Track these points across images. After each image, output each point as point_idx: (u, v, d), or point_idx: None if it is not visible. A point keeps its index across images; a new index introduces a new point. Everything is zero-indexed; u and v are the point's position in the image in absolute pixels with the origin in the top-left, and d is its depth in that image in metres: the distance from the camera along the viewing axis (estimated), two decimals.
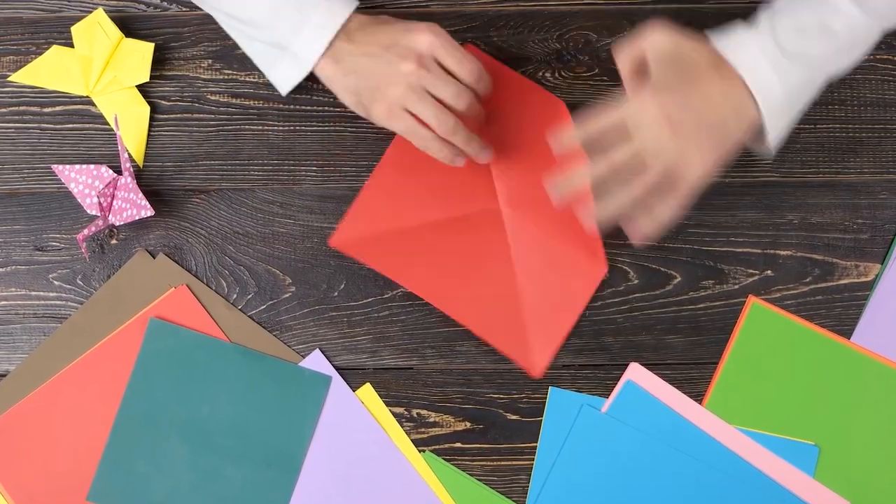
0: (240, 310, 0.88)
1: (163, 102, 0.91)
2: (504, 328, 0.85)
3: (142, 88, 0.90)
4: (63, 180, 0.89)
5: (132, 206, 0.86)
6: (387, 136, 0.89)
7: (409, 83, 0.78)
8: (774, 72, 0.76)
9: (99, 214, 0.87)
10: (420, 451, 0.87)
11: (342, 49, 0.80)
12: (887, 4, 0.76)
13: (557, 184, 0.79)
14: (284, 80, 0.83)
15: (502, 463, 0.87)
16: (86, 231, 0.85)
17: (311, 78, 0.83)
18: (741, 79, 0.76)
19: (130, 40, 0.90)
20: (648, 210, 0.77)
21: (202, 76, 0.91)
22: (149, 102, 0.90)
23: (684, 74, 0.76)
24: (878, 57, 0.91)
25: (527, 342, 0.85)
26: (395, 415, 0.87)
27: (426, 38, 0.79)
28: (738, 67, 0.76)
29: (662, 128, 0.74)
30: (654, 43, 0.77)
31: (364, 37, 0.80)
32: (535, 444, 0.87)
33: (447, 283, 0.86)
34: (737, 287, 0.88)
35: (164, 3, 0.92)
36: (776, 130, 0.78)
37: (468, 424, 0.87)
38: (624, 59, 0.79)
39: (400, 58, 0.78)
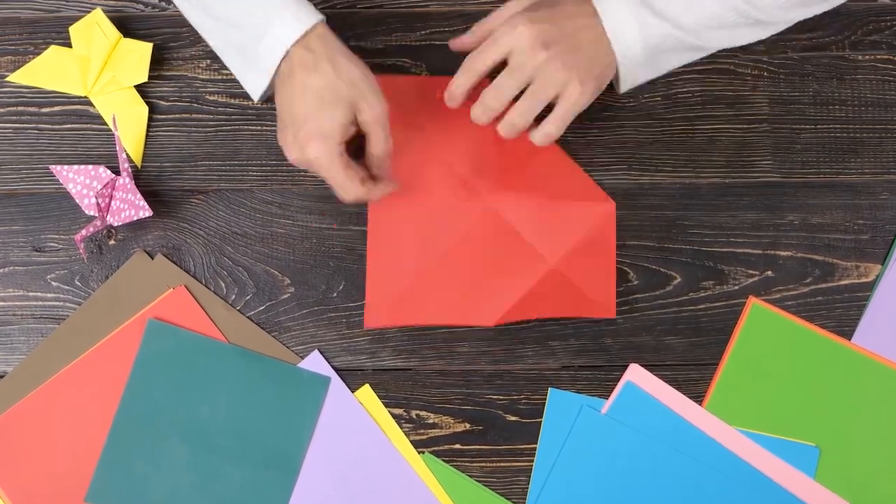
0: (238, 311, 0.88)
1: (161, 103, 0.91)
2: (562, 298, 0.85)
3: (140, 88, 0.90)
4: (61, 181, 0.89)
5: (130, 206, 0.85)
6: None
7: (293, 159, 0.79)
8: (633, 19, 0.77)
9: (97, 215, 0.87)
10: (419, 453, 0.87)
11: (293, 66, 0.78)
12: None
13: (477, 118, 0.81)
14: (253, 86, 0.82)
15: (502, 464, 0.87)
16: (84, 232, 0.85)
17: None
18: (602, 23, 0.78)
19: (129, 40, 0.90)
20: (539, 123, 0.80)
21: (201, 76, 0.91)
22: (147, 102, 0.90)
23: (550, 7, 0.78)
24: (878, 57, 0.91)
25: (588, 297, 0.86)
26: (394, 416, 0.87)
27: (316, 153, 0.77)
28: (598, 8, 0.78)
29: (538, 52, 0.76)
30: (511, 5, 0.80)
31: (298, 78, 0.77)
32: (534, 446, 0.87)
33: (488, 297, 0.85)
34: (737, 288, 0.88)
35: (163, 3, 0.92)
36: (630, 75, 0.81)
37: (468, 426, 0.87)
38: (484, 29, 0.82)
39: (293, 143, 0.78)
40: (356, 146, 0.81)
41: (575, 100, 0.78)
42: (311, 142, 0.77)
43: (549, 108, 0.80)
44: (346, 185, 0.78)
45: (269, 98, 0.84)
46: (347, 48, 0.78)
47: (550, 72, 0.77)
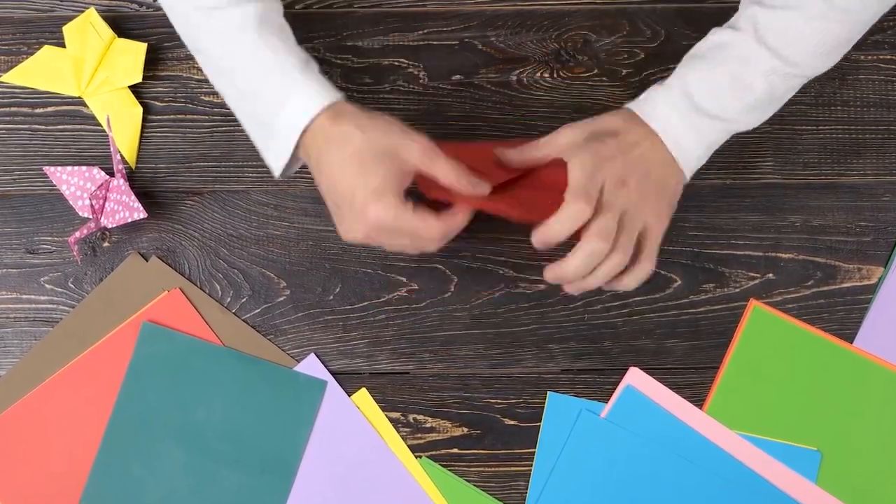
0: (234, 313, 0.88)
1: (156, 103, 0.91)
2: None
3: (134, 89, 0.90)
4: (55, 182, 0.89)
5: (124, 208, 0.85)
6: None
7: (362, 235, 0.74)
8: (692, 131, 0.77)
9: (91, 217, 0.87)
10: (417, 457, 0.86)
11: (317, 152, 0.74)
12: (807, 54, 0.76)
13: (570, 266, 0.75)
14: (274, 160, 0.77)
15: (500, 469, 0.87)
16: (77, 234, 0.85)
17: None
18: (658, 136, 0.77)
19: (123, 40, 0.89)
20: (627, 269, 0.76)
21: (196, 77, 0.91)
22: (141, 103, 0.90)
23: (611, 141, 0.76)
24: (881, 57, 0.91)
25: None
26: (391, 420, 0.87)
27: (376, 216, 0.72)
28: (656, 129, 0.77)
29: (620, 190, 0.74)
30: (565, 135, 0.77)
31: (327, 168, 0.73)
32: (533, 450, 0.86)
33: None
34: (738, 290, 0.88)
35: (157, 3, 0.91)
36: (693, 173, 0.80)
37: (465, 430, 0.87)
38: (534, 156, 0.78)
39: (353, 219, 0.73)
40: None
41: (659, 232, 0.77)
42: (367, 208, 0.71)
43: None
44: (424, 230, 0.73)
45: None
46: (367, 110, 0.75)
47: (634, 208, 0.74)
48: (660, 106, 0.77)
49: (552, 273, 0.75)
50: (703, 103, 0.76)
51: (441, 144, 0.83)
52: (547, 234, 0.73)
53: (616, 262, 0.74)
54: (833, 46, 0.77)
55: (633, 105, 0.79)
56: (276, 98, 0.74)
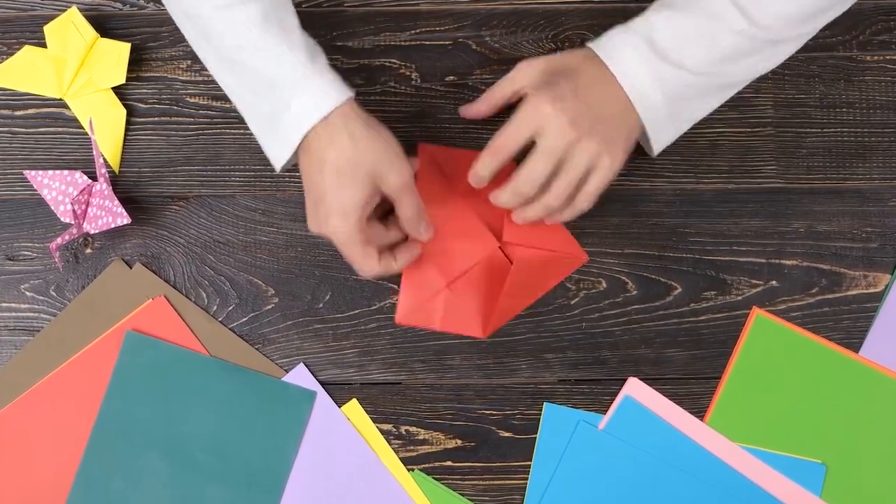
0: (220, 322, 0.88)
1: (140, 105, 0.90)
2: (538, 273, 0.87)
3: (118, 90, 0.90)
4: (35, 186, 0.88)
5: (108, 213, 0.85)
6: None
7: (317, 234, 0.80)
8: (651, 75, 0.78)
9: (73, 222, 0.86)
10: (409, 470, 0.86)
11: (310, 140, 0.78)
12: (780, 18, 0.77)
13: (507, 203, 0.81)
14: (275, 157, 0.81)
15: (495, 482, 0.86)
16: (59, 240, 0.85)
17: None
18: (615, 78, 0.78)
19: (106, 40, 0.89)
20: (569, 202, 0.81)
21: (181, 77, 0.90)
22: (125, 105, 0.90)
23: (568, 79, 0.79)
24: (887, 58, 0.91)
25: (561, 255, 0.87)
26: (382, 432, 0.87)
27: (333, 229, 0.78)
28: (614, 70, 0.78)
29: (567, 132, 0.77)
30: (523, 72, 0.81)
31: (315, 153, 0.77)
32: (529, 463, 0.86)
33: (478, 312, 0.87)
34: (740, 298, 0.88)
35: (141, 2, 0.92)
36: (659, 134, 0.81)
37: (459, 442, 0.87)
38: (496, 96, 0.83)
39: (315, 219, 0.79)
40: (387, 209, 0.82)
41: (606, 174, 0.79)
42: (329, 218, 0.77)
43: None
44: (363, 263, 0.79)
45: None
46: (372, 118, 0.78)
47: (581, 150, 0.78)
48: (620, 47, 0.79)
49: (492, 197, 0.81)
50: (664, 48, 0.78)
51: (437, 149, 0.86)
52: (475, 169, 0.81)
53: (545, 204, 0.80)
54: (809, 14, 0.79)
55: (593, 44, 0.80)
56: (281, 99, 0.77)
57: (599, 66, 0.79)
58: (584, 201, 0.80)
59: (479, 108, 0.85)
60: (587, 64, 0.79)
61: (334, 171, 0.76)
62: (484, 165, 0.80)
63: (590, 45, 0.80)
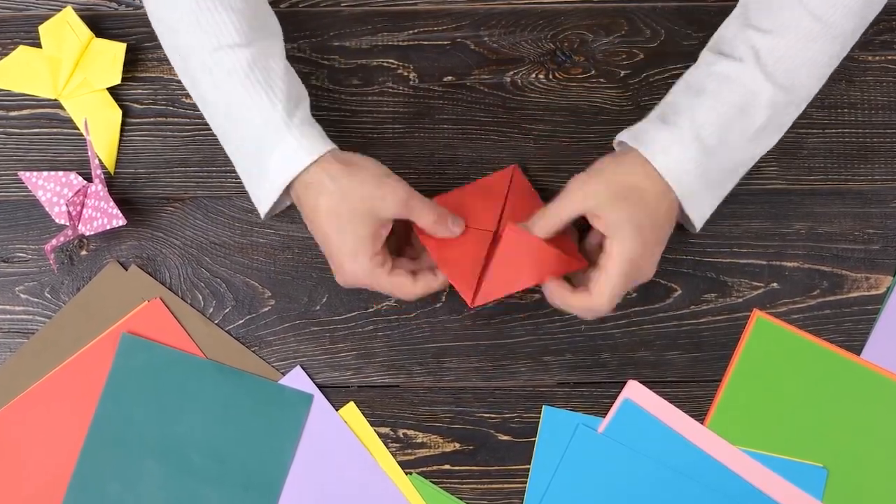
0: (216, 324, 0.88)
1: (135, 106, 0.90)
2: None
3: (113, 91, 0.90)
4: (30, 188, 0.88)
5: (103, 214, 0.85)
6: (369, 143, 0.88)
7: (343, 284, 0.80)
8: (697, 171, 0.78)
9: (68, 224, 0.86)
10: (407, 474, 0.86)
11: (299, 195, 0.79)
12: (805, 77, 0.78)
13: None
14: (259, 206, 0.82)
15: (493, 486, 0.86)
16: (54, 241, 0.85)
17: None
18: (672, 190, 0.78)
19: (101, 40, 0.89)
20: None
21: (177, 78, 0.90)
22: (120, 106, 0.90)
23: (639, 202, 0.77)
24: (889, 58, 0.91)
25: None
26: (380, 435, 0.87)
27: (352, 273, 0.78)
28: (669, 179, 0.77)
29: (636, 239, 0.76)
30: (582, 196, 0.78)
31: (308, 205, 0.78)
32: (527, 466, 0.86)
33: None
34: (741, 300, 0.88)
35: (137, 2, 0.92)
36: (701, 220, 0.81)
37: (457, 445, 0.87)
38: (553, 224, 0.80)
39: (335, 269, 0.80)
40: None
41: (638, 278, 0.79)
42: (343, 265, 0.78)
43: None
44: (399, 290, 0.79)
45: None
46: (352, 154, 0.79)
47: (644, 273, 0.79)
48: (675, 157, 0.77)
49: (557, 298, 0.80)
50: (711, 143, 0.77)
51: (448, 196, 0.86)
52: (530, 225, 0.80)
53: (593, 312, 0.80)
54: (827, 65, 0.79)
55: (643, 150, 0.78)
56: (260, 151, 0.78)
57: (658, 179, 0.77)
58: (607, 305, 0.78)
59: (535, 233, 0.81)
60: (649, 182, 0.77)
61: (332, 219, 0.77)
62: (539, 229, 0.79)
63: (640, 150, 0.78)
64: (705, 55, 0.81)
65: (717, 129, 0.77)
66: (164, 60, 0.90)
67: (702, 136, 0.77)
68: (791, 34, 0.77)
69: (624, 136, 0.80)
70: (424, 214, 0.79)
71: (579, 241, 0.84)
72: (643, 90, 0.90)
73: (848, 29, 0.78)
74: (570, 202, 0.78)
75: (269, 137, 0.77)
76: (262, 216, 0.81)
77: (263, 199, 0.80)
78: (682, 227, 0.84)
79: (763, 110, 0.78)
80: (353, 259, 0.77)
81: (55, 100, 0.90)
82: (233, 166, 0.88)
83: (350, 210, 0.76)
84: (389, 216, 0.78)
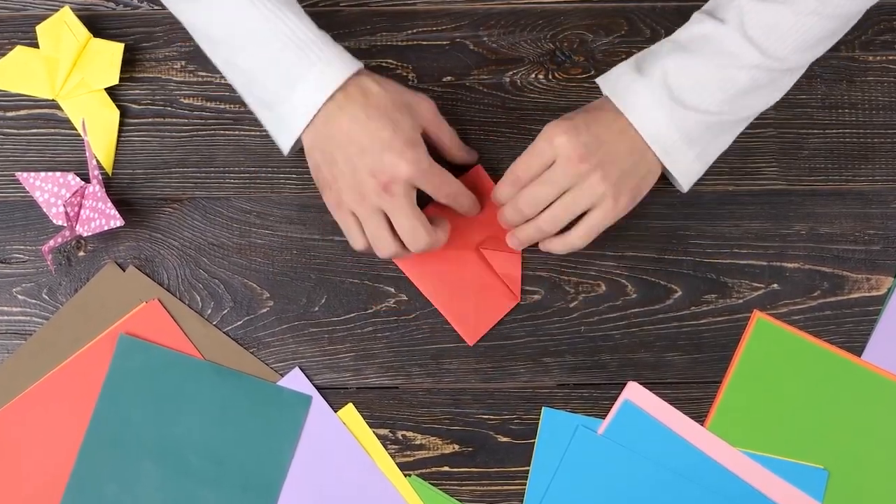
0: (214, 325, 0.87)
1: (133, 106, 0.90)
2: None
3: (111, 91, 0.90)
4: (27, 188, 0.88)
5: (101, 215, 0.85)
6: None
7: (366, 198, 0.78)
8: (668, 120, 0.78)
9: (65, 225, 0.86)
10: (406, 476, 0.86)
11: (328, 118, 0.78)
12: (793, 50, 0.78)
13: (509, 221, 0.83)
14: (282, 142, 0.82)
15: (493, 488, 0.86)
16: (52, 242, 0.84)
17: None
18: (634, 127, 0.79)
19: (99, 40, 0.89)
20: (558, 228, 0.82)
21: (175, 78, 0.90)
22: (118, 106, 0.90)
23: (586, 113, 0.81)
24: (890, 58, 0.91)
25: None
26: (379, 437, 0.86)
27: (404, 170, 0.77)
28: (631, 119, 0.79)
29: (576, 165, 0.78)
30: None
31: (348, 123, 0.78)
32: (527, 468, 0.86)
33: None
34: (741, 301, 0.88)
35: (135, 1, 0.91)
36: (684, 176, 0.82)
37: (457, 447, 0.86)
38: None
39: (369, 173, 0.77)
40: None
41: (606, 215, 0.80)
42: (404, 153, 0.77)
43: None
44: (440, 190, 0.80)
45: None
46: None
47: (587, 185, 0.79)
48: (641, 98, 0.79)
49: (499, 214, 0.84)
50: (681, 94, 0.78)
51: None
52: (494, 197, 0.84)
53: (537, 225, 0.81)
54: (820, 39, 0.79)
55: (607, 90, 0.81)
56: (296, 71, 0.77)
57: (616, 111, 0.79)
58: (578, 237, 0.81)
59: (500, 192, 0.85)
60: (606, 106, 0.80)
61: (381, 112, 0.77)
62: (502, 195, 0.82)
63: (604, 89, 0.81)
64: (696, 15, 0.82)
65: (688, 82, 0.78)
66: (163, 60, 0.90)
67: (670, 85, 0.78)
68: (784, 6, 0.77)
69: (600, 81, 0.83)
70: (449, 133, 0.83)
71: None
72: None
73: (850, 10, 0.78)
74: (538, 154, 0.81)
75: (311, 50, 0.77)
76: (287, 152, 0.81)
77: (301, 114, 0.78)
78: (680, 226, 0.84)
79: (745, 72, 0.78)
80: (414, 147, 0.77)
81: (53, 100, 0.89)
82: (232, 167, 0.89)
83: (396, 105, 0.78)
84: (425, 121, 0.80)
